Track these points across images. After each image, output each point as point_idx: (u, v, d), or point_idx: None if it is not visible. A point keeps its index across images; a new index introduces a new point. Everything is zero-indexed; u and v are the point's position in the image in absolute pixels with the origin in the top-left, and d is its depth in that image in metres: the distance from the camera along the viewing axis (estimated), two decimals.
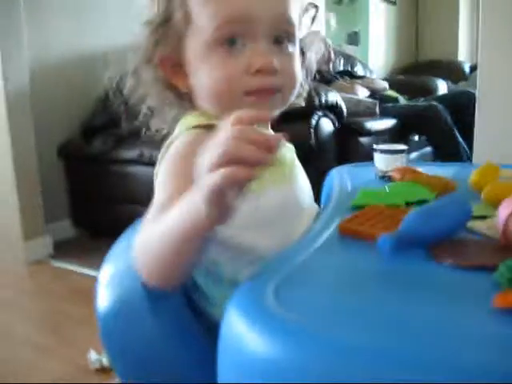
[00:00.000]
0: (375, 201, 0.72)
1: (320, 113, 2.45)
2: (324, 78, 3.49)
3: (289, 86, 0.70)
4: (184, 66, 0.70)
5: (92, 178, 2.45)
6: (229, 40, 0.66)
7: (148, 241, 0.56)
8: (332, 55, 3.73)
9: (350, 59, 4.37)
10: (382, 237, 0.52)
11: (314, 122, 2.41)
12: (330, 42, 3.78)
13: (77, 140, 2.52)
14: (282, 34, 0.69)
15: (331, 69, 3.74)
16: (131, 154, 2.24)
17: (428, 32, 6.39)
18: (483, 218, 0.66)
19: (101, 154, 2.36)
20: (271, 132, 0.77)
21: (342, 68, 4.15)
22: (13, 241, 2.33)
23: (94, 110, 2.59)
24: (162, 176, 0.65)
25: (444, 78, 5.17)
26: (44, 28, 2.52)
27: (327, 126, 2.52)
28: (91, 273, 2.08)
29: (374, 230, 0.58)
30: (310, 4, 0.79)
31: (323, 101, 2.44)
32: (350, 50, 5.96)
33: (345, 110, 2.64)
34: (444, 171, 0.96)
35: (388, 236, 0.52)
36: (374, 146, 0.93)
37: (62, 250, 2.42)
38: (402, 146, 0.93)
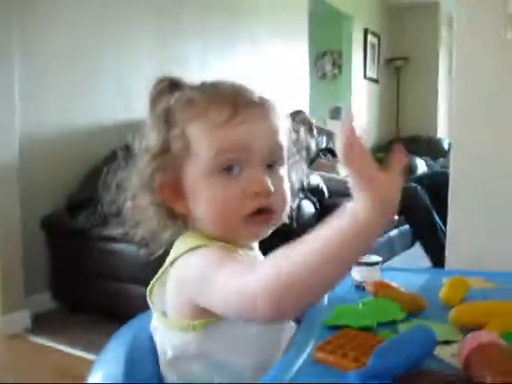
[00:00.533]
0: (348, 320, 0.76)
1: (301, 195, 2.52)
2: (306, 156, 3.60)
3: (281, 205, 0.76)
4: (182, 190, 0.74)
5: (74, 252, 2.47)
6: (227, 167, 0.72)
7: (294, 267, 0.57)
8: (315, 133, 3.86)
9: (332, 136, 4.51)
10: (352, 373, 0.56)
11: (295, 204, 2.48)
12: (313, 120, 3.92)
13: (61, 213, 2.55)
14: (274, 159, 0.76)
15: (313, 147, 3.85)
16: (116, 231, 2.27)
17: (409, 109, 6.64)
18: (449, 342, 0.70)
19: (85, 230, 2.39)
20: (258, 253, 0.82)
21: (324, 145, 4.28)
22: None
23: (80, 184, 2.63)
24: (211, 269, 0.67)
25: (424, 155, 5.35)
26: (36, 104, 2.60)
27: (308, 208, 2.59)
28: (70, 350, 2.07)
29: (345, 361, 0.62)
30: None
31: (305, 184, 2.51)
32: (332, 124, 6.15)
33: (326, 191, 2.72)
34: (416, 280, 1.02)
35: (356, 373, 0.56)
36: None
37: (40, 323, 2.40)
38: (376, 258, 0.98)
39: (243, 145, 0.72)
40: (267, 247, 2.30)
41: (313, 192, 2.62)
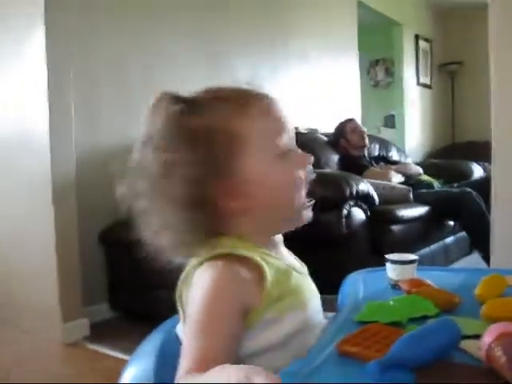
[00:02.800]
0: (379, 316, 0.77)
1: (351, 202, 2.52)
2: (359, 164, 3.59)
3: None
4: (234, 189, 0.74)
5: (129, 263, 2.55)
6: (285, 152, 0.77)
7: None
8: (367, 141, 3.84)
9: (385, 144, 4.47)
10: (372, 362, 0.57)
11: (345, 211, 2.48)
12: (365, 128, 3.90)
13: (116, 227, 2.65)
14: None
15: (366, 155, 3.83)
16: None
17: (464, 114, 6.48)
18: (478, 336, 0.70)
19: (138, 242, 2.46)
20: (284, 250, 0.84)
21: (377, 153, 4.24)
22: (52, 322, 2.42)
23: None
24: (199, 315, 0.67)
25: (481, 160, 5.20)
26: (93, 120, 2.72)
27: (358, 215, 2.57)
28: (125, 357, 2.13)
29: (367, 351, 0.63)
30: None
31: (354, 191, 2.51)
32: (386, 132, 6.09)
33: (376, 198, 2.70)
34: (453, 279, 1.01)
35: (376, 362, 0.57)
36: (386, 256, 0.98)
37: (98, 332, 2.49)
38: (413, 257, 0.98)
39: (290, 130, 0.79)
40: (319, 254, 2.30)
41: (363, 199, 2.61)
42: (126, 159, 2.64)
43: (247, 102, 0.76)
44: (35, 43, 2.41)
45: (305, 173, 0.80)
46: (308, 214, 0.80)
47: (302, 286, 0.80)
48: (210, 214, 0.74)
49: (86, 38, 2.70)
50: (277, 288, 0.72)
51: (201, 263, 0.73)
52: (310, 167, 0.81)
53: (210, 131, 0.73)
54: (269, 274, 0.72)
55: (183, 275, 0.76)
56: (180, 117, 0.74)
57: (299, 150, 0.80)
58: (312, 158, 0.81)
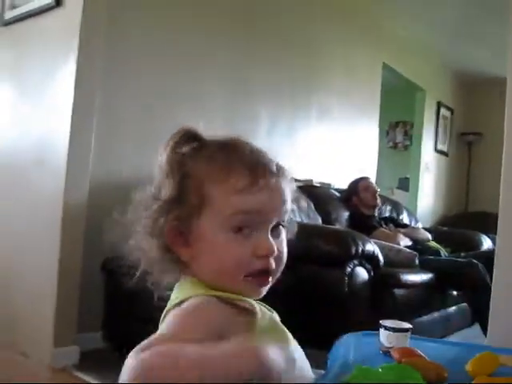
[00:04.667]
0: (365, 381, 0.77)
1: (356, 261, 2.52)
2: (369, 223, 3.59)
3: (280, 266, 0.82)
4: (190, 238, 0.79)
5: (128, 295, 2.55)
6: (239, 227, 0.77)
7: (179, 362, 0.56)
8: (378, 201, 3.85)
9: (396, 206, 4.48)
10: None
11: (348, 269, 2.47)
12: (378, 188, 3.92)
13: (120, 258, 2.65)
14: (277, 225, 0.82)
15: (377, 215, 3.84)
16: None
17: (479, 184, 6.49)
18: None
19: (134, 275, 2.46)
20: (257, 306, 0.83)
21: (388, 214, 4.25)
22: (44, 345, 2.41)
23: None
24: (172, 325, 0.71)
25: (491, 232, 5.17)
26: (109, 152, 2.77)
27: (362, 274, 2.57)
28: None
29: None
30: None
31: (360, 250, 2.51)
32: (399, 194, 6.11)
33: (382, 260, 2.70)
34: (446, 352, 1.00)
35: None
36: (381, 321, 0.98)
37: (87, 361, 2.47)
38: (407, 325, 0.98)
39: (257, 210, 0.78)
40: (318, 308, 2.30)
41: (368, 259, 2.60)
42: (135, 188, 2.64)
43: (228, 174, 0.78)
44: (66, 71, 2.49)
45: (262, 261, 0.78)
46: (252, 289, 0.80)
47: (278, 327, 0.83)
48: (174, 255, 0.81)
49: (114, 71, 2.77)
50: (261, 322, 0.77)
51: (179, 303, 0.75)
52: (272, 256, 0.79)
53: (190, 178, 0.79)
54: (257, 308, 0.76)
55: (161, 318, 0.78)
56: (179, 154, 0.80)
57: (267, 238, 0.79)
58: (273, 250, 0.78)
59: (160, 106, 3.00)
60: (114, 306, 2.68)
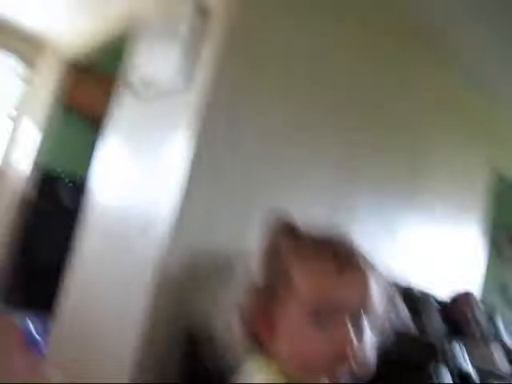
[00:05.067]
0: None
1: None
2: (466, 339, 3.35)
3: (361, 358, 0.81)
4: (274, 325, 0.82)
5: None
6: (320, 317, 0.79)
7: None
8: (480, 321, 3.62)
9: (497, 328, 4.16)
10: None
11: None
12: (481, 307, 3.70)
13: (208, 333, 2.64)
14: (360, 317, 0.82)
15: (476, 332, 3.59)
16: None
17: None
18: None
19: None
20: None
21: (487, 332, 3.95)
22: None
23: None
24: None
25: None
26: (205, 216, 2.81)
27: None
28: None
29: None
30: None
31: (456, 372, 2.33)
32: (505, 313, 5.66)
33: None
34: None
35: None
36: None
37: None
38: None
39: (339, 302, 0.80)
40: None
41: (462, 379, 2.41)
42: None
43: (317, 260, 0.82)
44: (182, 139, 2.63)
45: (339, 350, 0.78)
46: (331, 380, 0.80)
47: None
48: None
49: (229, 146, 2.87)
50: None
51: None
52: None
53: (282, 270, 0.83)
54: None
55: None
56: (276, 246, 0.86)
57: (345, 331, 0.79)
58: (353, 342, 0.79)
59: (265, 182, 3.03)
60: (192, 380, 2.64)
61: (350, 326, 0.80)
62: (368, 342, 0.83)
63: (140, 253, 2.68)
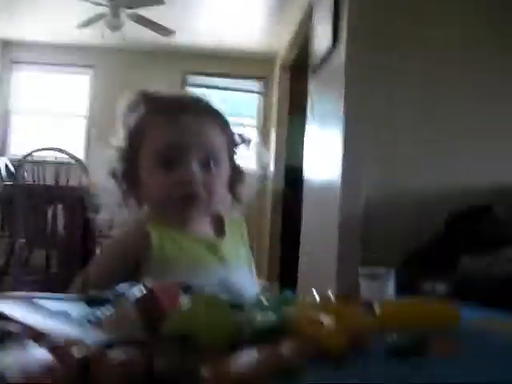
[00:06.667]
0: None
1: None
2: None
3: (209, 197, 0.97)
4: (138, 179, 1.00)
5: None
6: (166, 162, 0.96)
7: None
8: None
9: None
10: None
11: None
12: None
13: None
14: (207, 158, 0.97)
15: None
16: None
17: None
18: None
19: None
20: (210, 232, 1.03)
21: None
22: None
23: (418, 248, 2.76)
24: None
25: None
26: (385, 164, 2.93)
27: None
28: None
29: None
30: (241, 137, 1.02)
31: None
32: None
33: None
34: None
35: None
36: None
37: None
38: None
39: (177, 144, 0.95)
40: None
41: None
42: (415, 207, 2.73)
43: (156, 115, 0.98)
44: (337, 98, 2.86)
45: (185, 187, 0.94)
46: (178, 212, 0.97)
47: (194, 253, 0.97)
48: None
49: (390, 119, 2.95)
50: (164, 249, 0.93)
51: None
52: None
53: (134, 129, 1.00)
54: (155, 238, 0.93)
55: None
56: (131, 114, 1.02)
57: (189, 167, 0.94)
58: (194, 176, 0.94)
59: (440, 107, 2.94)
60: None
61: (195, 165, 0.94)
62: (218, 181, 0.98)
63: (332, 211, 2.97)
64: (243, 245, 1.09)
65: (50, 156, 3.81)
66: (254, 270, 1.10)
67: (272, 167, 5.43)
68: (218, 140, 1.00)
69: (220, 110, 1.03)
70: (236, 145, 1.07)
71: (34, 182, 3.94)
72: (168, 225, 0.97)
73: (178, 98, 1.04)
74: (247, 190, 1.08)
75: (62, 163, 3.86)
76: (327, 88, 3.28)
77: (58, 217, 3.35)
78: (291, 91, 5.19)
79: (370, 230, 2.79)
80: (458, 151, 2.94)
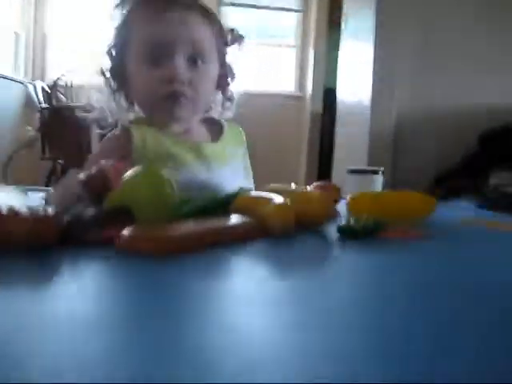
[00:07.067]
0: None
1: None
2: None
3: (196, 95, 0.94)
4: (127, 77, 0.97)
5: None
6: (151, 57, 0.92)
7: None
8: None
9: None
10: None
11: None
12: None
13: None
14: (194, 55, 0.94)
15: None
16: None
17: None
18: None
19: None
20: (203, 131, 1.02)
21: None
22: None
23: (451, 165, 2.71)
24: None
25: None
26: (422, 80, 2.83)
27: None
28: None
29: None
30: (232, 32, 0.99)
31: None
32: None
33: None
34: None
35: None
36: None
37: None
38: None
39: (163, 39, 0.91)
40: None
41: None
42: (448, 120, 2.74)
43: (143, 10, 0.94)
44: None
45: (170, 85, 0.91)
46: (166, 110, 0.94)
47: (176, 153, 0.94)
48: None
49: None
50: (146, 150, 0.92)
51: None
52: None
53: (124, 26, 0.97)
54: (138, 139, 0.92)
55: None
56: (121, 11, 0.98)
57: (173, 64, 0.91)
58: (177, 74, 0.90)
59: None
60: None
61: (180, 62, 0.90)
62: (205, 78, 0.95)
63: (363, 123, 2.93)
64: (242, 152, 1.07)
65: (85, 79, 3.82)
66: (250, 177, 1.09)
67: (310, 88, 5.32)
68: (206, 36, 0.96)
69: (208, 7, 0.98)
70: (226, 42, 1.02)
71: (69, 104, 4.00)
72: (154, 125, 0.96)
73: None
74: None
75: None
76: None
77: (92, 138, 3.41)
78: (331, 7, 4.99)
79: (400, 149, 2.74)
80: (492, 69, 2.83)
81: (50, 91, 4.15)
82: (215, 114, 1.07)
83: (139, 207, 0.54)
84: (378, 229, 0.63)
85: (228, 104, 1.06)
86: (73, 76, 3.89)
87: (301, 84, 5.66)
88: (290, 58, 5.72)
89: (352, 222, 0.64)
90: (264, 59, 5.53)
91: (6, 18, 4.56)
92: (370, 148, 2.71)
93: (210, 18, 0.97)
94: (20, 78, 4.79)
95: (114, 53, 0.99)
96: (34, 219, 0.46)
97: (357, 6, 3.21)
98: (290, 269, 0.47)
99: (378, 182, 0.94)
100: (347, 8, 3.54)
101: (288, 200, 0.62)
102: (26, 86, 4.70)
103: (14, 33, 4.79)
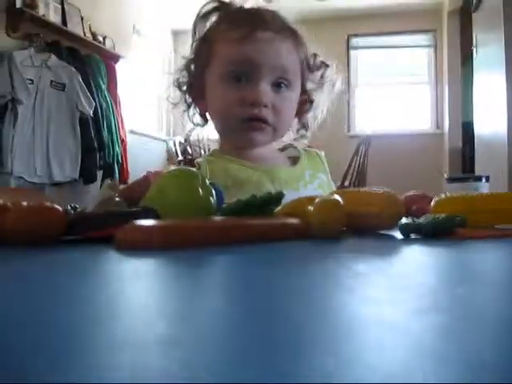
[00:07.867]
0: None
1: None
2: None
3: (277, 121, 0.89)
4: (203, 91, 0.92)
5: None
6: (235, 77, 0.87)
7: None
8: None
9: None
10: None
11: None
12: None
13: None
14: (279, 80, 0.88)
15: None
16: None
17: None
18: None
19: None
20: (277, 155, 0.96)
21: None
22: None
23: None
24: None
25: None
26: None
27: None
28: None
29: None
30: (322, 62, 0.93)
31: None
32: None
33: None
34: None
35: None
36: None
37: None
38: None
39: (251, 60, 0.86)
40: None
41: None
42: None
43: (230, 27, 0.88)
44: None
45: (251, 109, 0.85)
46: (244, 135, 0.88)
47: (250, 180, 0.88)
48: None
49: None
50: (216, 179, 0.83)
51: None
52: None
53: (205, 39, 0.92)
54: (205, 169, 0.88)
55: None
56: (203, 22, 0.94)
57: (258, 88, 0.85)
58: (260, 98, 0.85)
59: None
60: None
61: (265, 85, 0.85)
62: (288, 105, 0.89)
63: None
64: (325, 176, 0.98)
65: None
66: None
67: (447, 124, 5.07)
68: (292, 61, 0.90)
69: (297, 29, 0.92)
70: (312, 69, 0.96)
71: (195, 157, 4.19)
72: (228, 152, 0.93)
73: (255, 11, 0.92)
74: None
75: None
76: (488, 29, 2.97)
77: None
78: (462, 41, 4.76)
79: None
80: None
81: (184, 145, 4.37)
82: (287, 139, 1.00)
83: (167, 207, 0.52)
84: (449, 225, 0.54)
85: (303, 131, 0.99)
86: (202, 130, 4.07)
87: (438, 120, 5.43)
88: (424, 94, 5.53)
89: (420, 220, 0.56)
90: (396, 98, 5.42)
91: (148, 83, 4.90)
92: (510, 180, 2.48)
93: (298, 41, 0.92)
94: (163, 135, 5.15)
95: (192, 67, 0.95)
96: (48, 209, 0.48)
97: (487, 38, 3.07)
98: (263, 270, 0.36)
99: (482, 190, 0.82)
100: (477, 40, 3.40)
101: (338, 199, 0.55)
102: (167, 143, 5.03)
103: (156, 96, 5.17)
